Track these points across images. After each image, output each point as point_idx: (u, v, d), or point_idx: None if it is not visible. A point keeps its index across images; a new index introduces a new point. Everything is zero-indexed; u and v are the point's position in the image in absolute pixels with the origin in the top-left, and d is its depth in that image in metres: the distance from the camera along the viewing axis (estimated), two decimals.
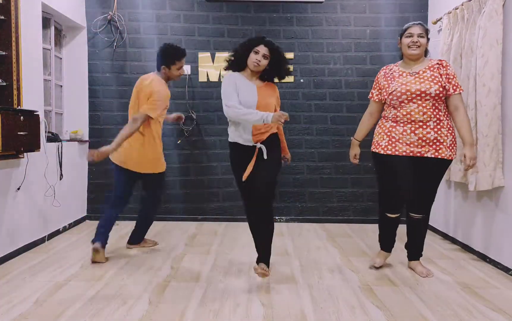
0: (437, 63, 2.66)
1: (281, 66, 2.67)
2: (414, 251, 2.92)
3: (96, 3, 4.34)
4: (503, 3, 2.95)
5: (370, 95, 2.88)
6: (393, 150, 2.65)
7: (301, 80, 4.41)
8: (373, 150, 2.78)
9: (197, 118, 4.41)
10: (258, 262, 2.68)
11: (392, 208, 2.80)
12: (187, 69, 4.37)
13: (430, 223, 4.17)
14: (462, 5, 3.38)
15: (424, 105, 2.58)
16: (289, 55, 4.39)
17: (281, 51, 2.66)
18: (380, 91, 2.80)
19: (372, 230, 4.10)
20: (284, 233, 4.00)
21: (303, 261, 3.14)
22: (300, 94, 4.42)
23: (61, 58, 4.32)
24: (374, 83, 2.86)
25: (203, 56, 4.39)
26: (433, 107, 2.58)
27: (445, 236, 3.84)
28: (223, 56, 4.38)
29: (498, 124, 2.95)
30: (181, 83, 4.39)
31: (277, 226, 4.28)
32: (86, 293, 2.47)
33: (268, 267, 2.65)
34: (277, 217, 4.46)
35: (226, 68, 2.73)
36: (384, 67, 2.85)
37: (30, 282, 2.64)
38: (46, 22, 3.92)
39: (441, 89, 2.56)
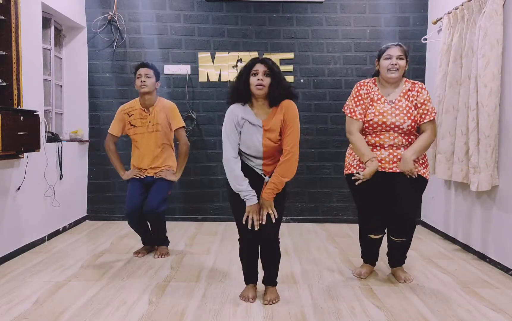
0: (409, 89, 2.57)
1: (282, 82, 2.31)
2: (396, 261, 2.80)
3: (96, 3, 4.34)
4: (503, 3, 2.94)
5: (350, 112, 2.63)
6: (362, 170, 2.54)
7: (301, 80, 4.41)
8: (346, 173, 2.69)
9: (197, 118, 4.41)
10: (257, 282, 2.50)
11: (374, 228, 2.69)
12: (187, 69, 4.38)
13: (430, 223, 4.19)
14: (462, 5, 3.38)
15: (395, 135, 2.53)
16: (289, 55, 4.40)
17: (277, 67, 2.35)
18: (364, 109, 2.61)
19: None
20: (284, 233, 4.00)
21: (303, 261, 3.14)
22: (300, 94, 4.41)
23: (61, 58, 4.32)
24: (356, 99, 2.62)
25: (203, 56, 4.39)
26: (406, 137, 2.55)
27: (445, 236, 3.84)
28: (223, 56, 4.39)
29: (498, 124, 2.96)
30: (181, 83, 4.39)
31: None
32: (86, 293, 2.47)
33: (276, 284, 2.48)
34: None
35: (229, 102, 2.39)
36: (362, 83, 2.65)
37: (30, 282, 2.64)
38: (46, 22, 3.92)
39: (413, 124, 2.53)
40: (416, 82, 2.62)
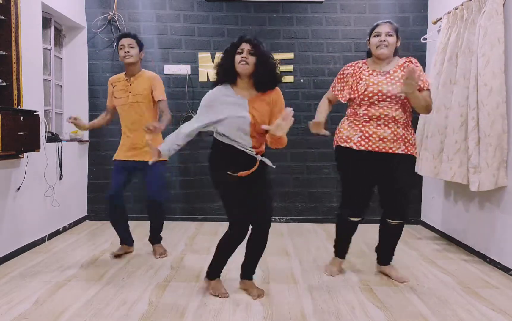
0: (406, 62, 2.61)
1: (267, 63, 2.30)
2: (387, 256, 2.84)
3: (96, 3, 4.34)
4: (504, 3, 2.94)
5: (331, 87, 2.78)
6: (366, 145, 2.56)
7: (301, 80, 4.41)
8: (342, 144, 2.64)
9: None
10: (243, 277, 2.54)
11: (356, 211, 2.70)
12: (187, 69, 4.38)
13: (430, 223, 4.19)
14: (462, 5, 3.38)
15: (397, 106, 2.53)
16: (289, 55, 4.40)
17: (264, 47, 2.34)
18: (343, 88, 2.70)
19: (372, 230, 4.09)
20: (284, 233, 4.00)
21: (303, 261, 3.14)
22: (300, 94, 4.42)
23: (61, 58, 4.32)
24: (338, 78, 2.73)
25: (203, 56, 4.39)
26: (403, 107, 2.56)
27: (445, 236, 3.84)
28: None
29: (501, 123, 2.93)
30: (181, 83, 4.39)
31: (277, 226, 4.28)
32: (86, 293, 2.47)
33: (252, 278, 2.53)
34: (277, 217, 4.46)
35: (216, 82, 2.38)
36: (352, 64, 2.71)
37: (30, 282, 2.64)
38: (46, 22, 3.92)
39: None
40: (409, 57, 2.66)
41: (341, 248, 2.89)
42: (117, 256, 3.16)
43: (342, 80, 2.73)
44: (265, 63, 2.28)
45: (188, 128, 2.35)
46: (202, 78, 4.41)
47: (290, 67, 4.38)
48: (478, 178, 3.00)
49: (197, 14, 4.39)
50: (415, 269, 2.96)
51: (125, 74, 3.11)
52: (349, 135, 2.64)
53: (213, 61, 4.39)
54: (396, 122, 2.54)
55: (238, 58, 2.28)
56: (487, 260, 3.12)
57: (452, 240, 3.70)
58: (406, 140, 2.57)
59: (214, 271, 2.50)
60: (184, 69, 4.37)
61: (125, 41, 3.02)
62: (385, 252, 2.85)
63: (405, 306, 2.33)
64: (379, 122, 2.55)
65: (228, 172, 2.32)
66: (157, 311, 2.24)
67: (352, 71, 2.68)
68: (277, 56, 4.37)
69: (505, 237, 2.93)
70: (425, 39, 4.23)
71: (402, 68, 2.59)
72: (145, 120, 3.00)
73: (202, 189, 4.45)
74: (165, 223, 3.42)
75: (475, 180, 3.04)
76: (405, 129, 2.58)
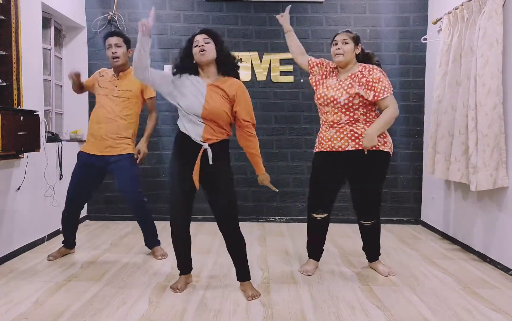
0: (360, 71, 2.63)
1: (224, 47, 2.41)
2: (372, 252, 2.94)
3: (96, 3, 4.34)
4: (503, 3, 2.94)
5: (311, 61, 2.87)
6: (320, 147, 2.76)
7: (301, 80, 4.41)
8: (315, 150, 2.86)
9: None
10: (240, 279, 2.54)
11: (317, 206, 2.81)
12: None
13: (430, 223, 4.19)
14: (462, 5, 3.38)
15: (335, 111, 2.64)
16: (289, 55, 4.37)
17: (218, 35, 2.42)
18: (315, 64, 2.85)
19: None
20: (284, 233, 4.00)
21: (303, 261, 3.14)
22: (300, 94, 4.41)
23: (61, 58, 4.32)
24: (320, 61, 2.84)
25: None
26: (346, 113, 2.62)
27: (445, 236, 3.84)
28: None
29: (499, 123, 2.94)
30: None
31: (277, 226, 4.28)
32: (86, 293, 2.47)
33: (249, 278, 2.52)
34: (277, 217, 4.47)
35: (175, 73, 2.42)
36: (330, 62, 2.82)
37: (30, 282, 2.64)
38: (46, 22, 3.92)
39: (350, 98, 2.58)
40: (368, 64, 2.68)
41: (312, 248, 2.96)
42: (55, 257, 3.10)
43: (320, 66, 2.84)
44: (224, 47, 2.41)
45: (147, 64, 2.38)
46: None
47: (290, 67, 4.38)
48: (476, 178, 3.01)
49: (197, 14, 4.39)
50: (415, 269, 2.96)
51: (114, 70, 3.09)
52: (316, 140, 2.84)
53: None
54: (338, 125, 2.64)
55: (196, 50, 2.36)
56: (487, 260, 3.12)
57: (452, 240, 3.70)
58: (354, 136, 2.62)
59: (180, 267, 2.59)
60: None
61: (112, 40, 3.00)
62: (369, 250, 2.95)
63: (405, 306, 2.34)
64: (326, 125, 2.71)
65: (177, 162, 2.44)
66: (157, 311, 2.24)
67: (326, 67, 2.82)
68: (277, 56, 4.38)
69: (505, 237, 2.93)
70: (425, 39, 4.22)
71: (353, 76, 2.65)
72: (126, 118, 3.03)
73: (202, 189, 4.44)
74: (164, 224, 3.41)
75: (473, 180, 3.05)
76: (352, 125, 2.63)
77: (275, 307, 2.30)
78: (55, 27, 4.12)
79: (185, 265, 2.59)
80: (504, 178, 2.93)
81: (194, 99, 2.32)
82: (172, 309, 2.26)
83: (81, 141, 4.28)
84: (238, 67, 2.47)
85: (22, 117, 2.87)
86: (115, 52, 2.99)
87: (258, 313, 2.22)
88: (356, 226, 4.23)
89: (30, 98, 3.25)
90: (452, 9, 3.55)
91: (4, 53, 2.94)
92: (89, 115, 4.36)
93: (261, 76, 4.39)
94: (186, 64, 2.40)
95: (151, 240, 3.23)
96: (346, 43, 2.64)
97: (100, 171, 3.06)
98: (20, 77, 3.04)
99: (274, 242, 3.67)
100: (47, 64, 4.02)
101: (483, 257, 3.18)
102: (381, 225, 4.31)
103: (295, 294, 2.49)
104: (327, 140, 2.70)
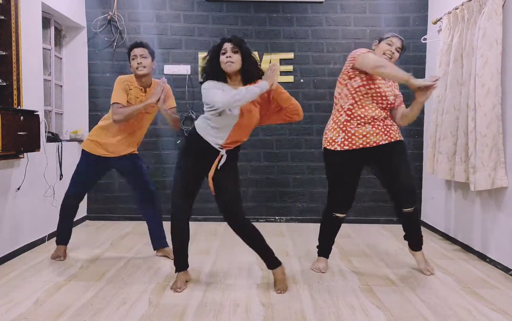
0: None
1: (251, 57, 2.44)
2: (417, 241, 2.91)
3: (96, 3, 4.34)
4: (503, 3, 2.95)
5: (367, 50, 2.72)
6: (350, 144, 2.67)
7: (301, 80, 4.41)
8: (327, 147, 2.75)
9: (197, 118, 4.40)
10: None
11: (342, 207, 2.83)
12: (187, 69, 4.38)
13: (430, 223, 4.19)
14: (462, 5, 3.38)
15: (378, 107, 2.69)
16: (289, 55, 4.40)
17: (245, 43, 2.45)
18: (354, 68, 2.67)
19: (372, 230, 4.10)
20: (284, 233, 4.00)
21: (303, 261, 3.14)
22: (300, 94, 4.41)
23: (61, 58, 4.32)
24: (368, 50, 2.70)
25: (203, 56, 4.38)
26: (385, 110, 2.73)
27: (445, 236, 3.84)
28: None
29: (497, 124, 2.94)
30: (181, 83, 4.39)
31: (277, 226, 4.28)
32: (86, 293, 2.47)
33: (280, 264, 2.59)
34: (277, 217, 4.47)
35: (205, 80, 2.45)
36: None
37: (30, 282, 2.64)
38: (46, 22, 3.92)
39: (394, 98, 2.78)
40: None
41: (326, 246, 2.97)
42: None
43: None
44: (249, 58, 2.42)
45: (232, 92, 2.31)
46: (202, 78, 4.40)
47: (290, 67, 4.38)
48: (475, 178, 3.01)
49: (197, 14, 4.39)
50: (414, 269, 2.96)
51: (138, 83, 2.98)
52: (332, 136, 2.73)
53: None
54: (376, 119, 2.68)
55: (223, 58, 2.39)
56: (487, 260, 3.12)
57: (452, 240, 3.70)
58: (386, 130, 2.70)
59: (176, 263, 2.61)
60: (184, 69, 4.37)
61: (137, 51, 2.92)
62: (414, 238, 2.91)
63: (405, 306, 2.34)
64: (360, 121, 2.67)
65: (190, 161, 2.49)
66: (157, 311, 2.24)
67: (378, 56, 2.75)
68: (277, 56, 4.38)
69: (505, 237, 2.93)
70: (425, 39, 4.23)
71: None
72: (145, 128, 3.10)
73: (202, 189, 4.43)
74: (165, 223, 3.41)
75: (472, 180, 3.06)
76: (385, 120, 2.71)
77: (275, 307, 2.30)
78: (55, 27, 4.12)
79: (182, 262, 2.60)
80: (503, 178, 2.93)
81: (227, 111, 2.38)
82: (172, 309, 2.26)
83: (81, 141, 4.27)
84: (262, 75, 2.45)
85: (22, 117, 2.87)
86: (141, 63, 2.90)
87: (258, 313, 2.22)
88: (355, 226, 4.26)
89: (30, 98, 3.25)
90: (452, 9, 3.55)
91: (4, 53, 2.94)
92: (89, 115, 4.40)
93: None
94: (216, 72, 2.42)
95: (164, 239, 3.22)
96: (397, 51, 2.73)
97: (110, 166, 3.11)
98: (20, 77, 3.04)
99: (274, 242, 3.65)
100: (47, 64, 4.02)
101: (483, 257, 3.18)
102: (381, 225, 4.34)
103: (295, 294, 2.49)
104: (360, 137, 2.65)
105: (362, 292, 2.53)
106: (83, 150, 3.04)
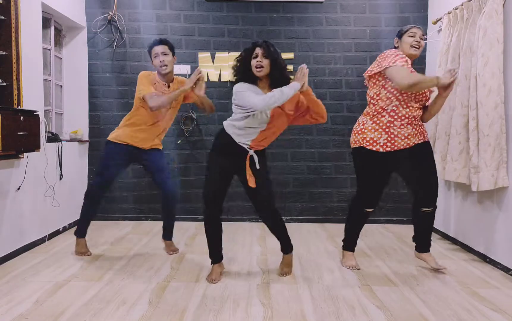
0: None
1: (279, 62, 2.55)
2: (426, 242, 2.93)
3: (96, 3, 4.34)
4: (503, 3, 2.94)
5: (402, 61, 2.60)
6: (391, 146, 2.70)
7: None
8: (368, 147, 2.74)
9: (197, 118, 4.41)
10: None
11: (374, 202, 2.91)
12: (187, 69, 4.38)
13: None
14: (462, 5, 3.38)
15: (419, 106, 2.74)
16: (289, 55, 4.39)
17: (274, 48, 2.56)
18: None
19: (372, 230, 4.10)
20: None
21: (303, 261, 3.14)
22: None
23: (61, 58, 4.32)
24: (401, 56, 2.62)
25: (203, 56, 4.39)
26: (421, 108, 2.78)
27: (445, 236, 3.84)
28: (223, 56, 4.39)
29: (500, 123, 2.93)
30: None
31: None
32: (86, 293, 2.47)
33: (292, 250, 2.85)
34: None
35: (236, 81, 2.60)
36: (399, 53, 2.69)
37: (30, 282, 2.64)
38: (46, 22, 3.92)
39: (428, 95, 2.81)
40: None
41: (352, 241, 3.05)
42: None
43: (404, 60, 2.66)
44: (278, 63, 2.53)
45: (267, 96, 2.43)
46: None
47: (290, 67, 4.37)
48: (478, 178, 3.01)
49: (197, 14, 4.39)
50: (415, 269, 2.96)
51: (160, 78, 3.02)
52: (373, 137, 2.73)
53: (213, 61, 4.39)
54: (416, 119, 2.73)
55: (254, 62, 2.52)
56: (487, 260, 3.12)
57: (452, 240, 3.70)
58: (421, 130, 2.78)
59: (211, 256, 2.75)
60: (184, 69, 4.37)
61: (158, 49, 2.94)
62: (424, 239, 2.93)
63: (405, 306, 2.33)
64: (403, 122, 2.68)
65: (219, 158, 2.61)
66: (157, 311, 2.24)
67: (405, 60, 2.69)
68: None
69: (505, 237, 2.93)
70: (425, 39, 4.22)
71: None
72: (167, 122, 3.15)
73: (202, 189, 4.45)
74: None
75: (475, 180, 3.04)
76: (418, 121, 2.78)
77: (275, 307, 2.30)
78: (55, 27, 4.12)
79: (217, 254, 2.74)
80: (505, 178, 2.93)
81: (259, 113, 2.50)
82: (172, 309, 2.26)
83: (81, 141, 4.28)
84: (289, 79, 2.58)
85: (22, 117, 2.87)
86: (163, 61, 2.94)
87: (258, 313, 2.22)
88: None
89: (30, 98, 3.25)
90: (452, 9, 3.55)
91: (4, 53, 2.94)
92: (89, 115, 4.39)
93: None
94: (249, 75, 2.55)
95: (171, 232, 3.35)
96: (421, 39, 2.73)
97: (135, 159, 3.15)
98: (20, 77, 3.04)
99: (274, 242, 3.65)
100: (47, 64, 4.02)
101: (483, 257, 3.17)
102: (381, 225, 4.34)
103: (295, 294, 2.49)
104: (403, 138, 2.69)
105: (362, 292, 2.53)
106: (108, 141, 3.10)
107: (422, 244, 2.94)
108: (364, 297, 2.45)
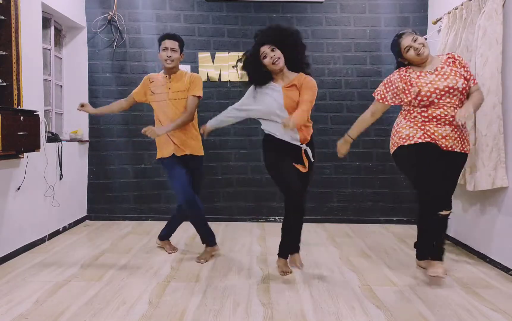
0: (449, 57, 2.71)
1: (296, 45, 2.60)
2: (437, 247, 2.72)
3: (96, 3, 4.34)
4: (503, 3, 2.94)
5: (381, 97, 2.75)
6: (430, 138, 2.60)
7: None
8: (405, 144, 2.65)
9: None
10: (290, 253, 2.86)
11: (443, 203, 2.59)
12: (187, 69, 4.37)
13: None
14: (462, 5, 3.38)
15: (453, 100, 2.59)
16: None
17: (285, 30, 2.57)
18: (396, 94, 2.69)
19: (372, 230, 4.10)
20: None
21: (303, 261, 3.14)
22: None
23: (61, 58, 4.33)
24: (387, 85, 2.73)
25: (203, 56, 4.39)
26: (460, 102, 2.61)
27: (445, 236, 3.83)
28: (223, 56, 4.39)
29: (498, 123, 2.94)
30: None
31: (277, 226, 4.27)
32: (86, 293, 2.47)
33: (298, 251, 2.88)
34: (277, 217, 4.47)
35: (250, 84, 2.71)
36: (397, 70, 2.75)
37: (30, 282, 2.64)
38: (46, 22, 3.92)
39: (465, 82, 2.61)
40: (450, 53, 2.76)
41: (428, 248, 2.80)
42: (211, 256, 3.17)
43: (391, 86, 2.72)
44: (288, 41, 2.58)
45: (234, 106, 2.74)
46: (202, 78, 4.39)
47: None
48: (474, 178, 3.01)
49: (197, 14, 4.39)
50: (415, 269, 2.96)
51: (163, 72, 3.07)
52: (409, 133, 2.66)
53: (213, 61, 4.39)
54: (454, 118, 2.58)
55: (267, 61, 2.53)
56: (487, 260, 3.12)
57: (452, 240, 3.70)
58: (462, 137, 2.67)
59: (281, 250, 2.85)
60: (184, 69, 4.36)
61: (168, 43, 2.94)
62: (440, 246, 2.73)
63: (405, 306, 2.33)
64: (439, 122, 2.60)
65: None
66: (157, 311, 2.24)
67: (398, 77, 2.70)
68: None
69: (505, 237, 2.93)
70: (425, 39, 4.22)
71: (447, 64, 2.68)
72: (173, 116, 3.04)
73: (203, 189, 4.45)
74: (165, 223, 3.43)
75: (470, 180, 3.05)
76: (463, 126, 2.67)
77: (275, 307, 2.30)
78: (55, 27, 4.12)
79: (288, 249, 2.84)
80: (504, 178, 2.93)
81: (273, 103, 2.55)
82: (172, 309, 2.26)
83: (81, 141, 4.28)
84: (307, 65, 2.70)
85: (22, 117, 2.87)
86: (170, 56, 2.94)
87: (258, 313, 2.22)
88: (355, 226, 4.25)
89: (30, 98, 3.25)
90: (452, 9, 3.55)
91: (4, 53, 2.94)
92: (89, 115, 4.39)
93: None
94: (262, 77, 2.58)
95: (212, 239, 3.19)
96: (418, 40, 2.72)
97: (183, 163, 3.06)
98: (20, 77, 3.04)
99: (274, 242, 3.66)
100: (47, 64, 4.02)
101: (483, 257, 3.18)
102: (381, 225, 4.34)
103: (295, 294, 2.49)
104: (440, 138, 2.59)
105: (362, 292, 2.53)
106: (159, 159, 3.11)
107: (437, 250, 2.71)
108: (364, 297, 2.45)
